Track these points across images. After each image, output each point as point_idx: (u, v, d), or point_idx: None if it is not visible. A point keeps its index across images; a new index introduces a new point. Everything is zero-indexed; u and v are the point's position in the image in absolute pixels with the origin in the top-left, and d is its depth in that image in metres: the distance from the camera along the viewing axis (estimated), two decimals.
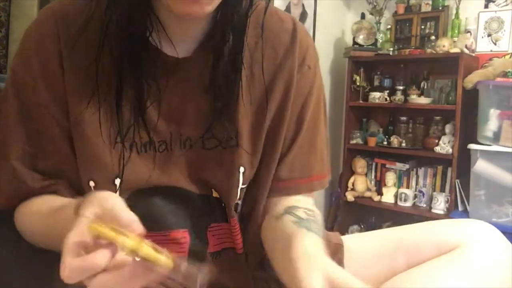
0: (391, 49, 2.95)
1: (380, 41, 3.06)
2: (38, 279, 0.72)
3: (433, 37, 2.83)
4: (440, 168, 2.82)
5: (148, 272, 0.46)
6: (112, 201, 0.48)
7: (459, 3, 2.81)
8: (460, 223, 0.76)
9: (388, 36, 3.05)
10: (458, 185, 2.62)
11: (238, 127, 0.69)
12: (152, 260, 0.45)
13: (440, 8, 2.86)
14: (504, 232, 0.74)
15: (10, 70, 0.68)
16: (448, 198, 2.69)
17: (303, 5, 2.88)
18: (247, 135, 0.70)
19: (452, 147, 2.63)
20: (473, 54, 2.75)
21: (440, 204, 2.71)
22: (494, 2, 2.78)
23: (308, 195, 0.77)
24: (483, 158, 2.44)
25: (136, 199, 0.66)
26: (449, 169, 2.69)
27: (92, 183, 0.65)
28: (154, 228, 0.61)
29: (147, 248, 0.45)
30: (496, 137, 2.42)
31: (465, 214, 2.57)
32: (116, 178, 0.65)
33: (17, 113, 0.66)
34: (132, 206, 0.48)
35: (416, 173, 2.92)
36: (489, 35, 2.79)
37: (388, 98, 2.95)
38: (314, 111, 0.75)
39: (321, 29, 3.00)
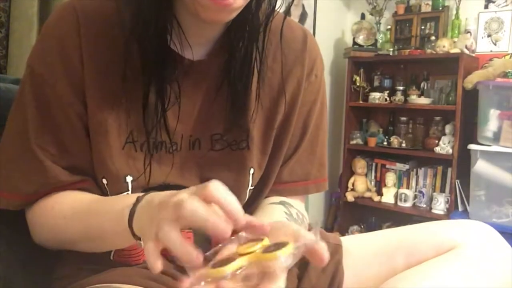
0: (391, 49, 2.95)
1: (380, 41, 3.06)
2: (39, 279, 0.72)
3: (433, 38, 2.83)
4: (440, 168, 2.82)
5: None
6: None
7: (459, 4, 2.81)
8: (458, 224, 0.76)
9: (388, 36, 3.05)
10: (458, 185, 2.62)
11: (250, 130, 0.70)
12: (273, 257, 0.44)
13: (440, 8, 2.86)
14: (504, 233, 0.74)
15: (27, 66, 0.66)
16: (448, 199, 2.69)
17: (303, 5, 2.88)
18: (258, 137, 0.72)
19: (452, 148, 2.63)
20: (473, 55, 2.75)
21: (440, 205, 2.71)
22: (494, 2, 2.78)
23: (302, 200, 0.80)
24: (483, 158, 2.44)
25: None
26: (449, 170, 2.69)
27: (104, 181, 0.66)
28: None
29: (259, 253, 0.44)
30: (496, 138, 2.42)
31: (465, 214, 2.57)
32: (127, 176, 0.65)
33: (35, 109, 0.64)
34: None
35: (416, 174, 2.92)
36: (489, 35, 2.79)
37: (388, 99, 2.95)
38: (318, 117, 0.78)
39: (321, 29, 3.01)
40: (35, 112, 0.64)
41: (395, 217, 2.93)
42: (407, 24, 2.99)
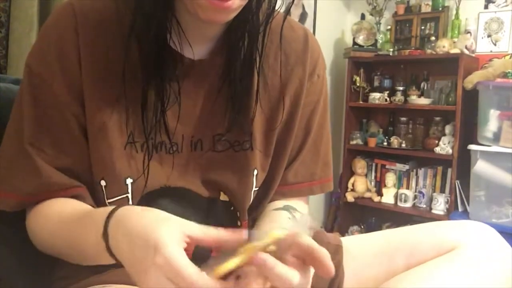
0: (391, 49, 2.95)
1: (380, 41, 3.06)
2: (39, 279, 0.72)
3: (433, 38, 2.83)
4: (440, 168, 2.82)
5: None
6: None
7: (459, 4, 2.81)
8: (458, 224, 0.76)
9: (388, 36, 3.05)
10: (458, 185, 2.62)
11: (252, 130, 0.70)
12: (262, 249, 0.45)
13: (440, 8, 2.86)
14: (504, 233, 0.74)
15: (26, 65, 0.66)
16: (448, 199, 2.69)
17: (303, 5, 2.88)
18: (260, 138, 0.71)
19: (452, 148, 2.63)
20: (473, 55, 2.75)
21: (440, 205, 2.71)
22: (494, 2, 2.78)
23: (305, 202, 0.80)
24: (483, 158, 2.44)
25: (145, 201, 0.66)
26: (449, 170, 2.69)
27: (103, 182, 0.65)
28: None
29: (251, 249, 0.45)
30: (496, 138, 2.42)
31: (465, 215, 2.57)
32: (127, 178, 0.65)
33: (32, 108, 0.64)
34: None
35: (416, 174, 2.92)
36: (489, 35, 2.79)
37: (388, 99, 2.95)
38: (321, 118, 0.78)
39: (321, 29, 3.01)
40: (32, 112, 0.64)
41: (395, 217, 2.93)
42: (407, 25, 2.99)
